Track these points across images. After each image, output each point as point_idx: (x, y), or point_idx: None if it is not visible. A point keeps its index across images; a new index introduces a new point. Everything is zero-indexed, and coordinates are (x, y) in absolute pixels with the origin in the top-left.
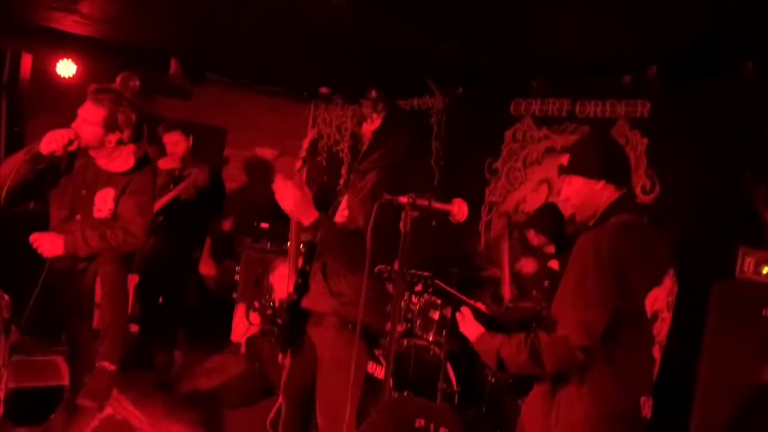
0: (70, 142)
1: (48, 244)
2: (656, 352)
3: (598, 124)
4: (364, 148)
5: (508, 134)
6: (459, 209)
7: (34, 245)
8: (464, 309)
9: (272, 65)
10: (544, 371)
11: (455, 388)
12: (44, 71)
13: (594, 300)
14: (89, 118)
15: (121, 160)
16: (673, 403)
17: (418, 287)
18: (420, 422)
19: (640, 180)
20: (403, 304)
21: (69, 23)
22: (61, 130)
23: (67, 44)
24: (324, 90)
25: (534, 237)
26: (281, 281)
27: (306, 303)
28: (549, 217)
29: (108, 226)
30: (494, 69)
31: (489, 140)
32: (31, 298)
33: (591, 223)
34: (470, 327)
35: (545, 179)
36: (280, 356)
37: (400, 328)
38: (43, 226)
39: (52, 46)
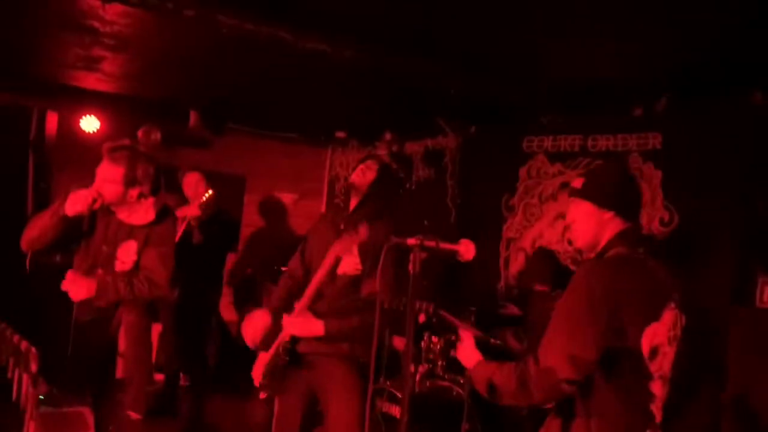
0: (94, 201)
1: (81, 287)
2: (656, 388)
3: (611, 158)
4: (359, 199)
5: (523, 171)
6: (466, 249)
7: (67, 288)
8: (463, 334)
9: (289, 113)
10: (532, 400)
11: (479, 428)
12: (69, 128)
13: (584, 338)
14: (108, 177)
15: (141, 212)
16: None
17: (422, 317)
18: None
19: (658, 212)
20: (423, 344)
21: (92, 81)
22: (84, 191)
23: (90, 101)
24: (340, 134)
25: (539, 287)
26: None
27: (305, 347)
28: (542, 263)
29: (134, 276)
30: (505, 106)
31: (504, 177)
32: (66, 350)
33: (592, 255)
34: (468, 353)
35: (561, 214)
36: (261, 395)
37: (421, 369)
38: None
39: (75, 103)
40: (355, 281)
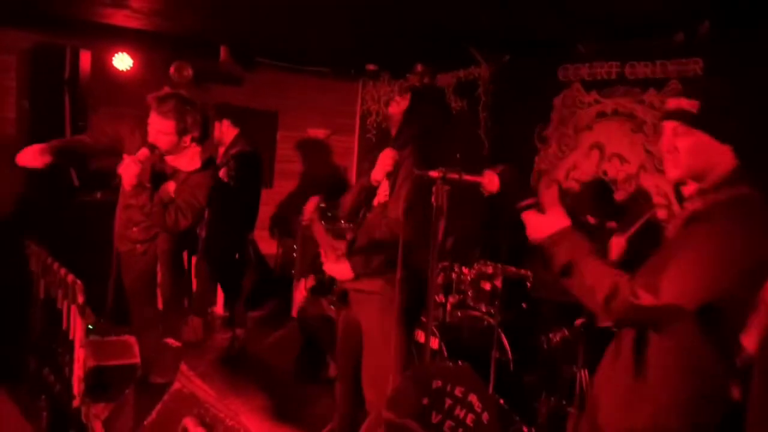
0: (147, 159)
1: (133, 169)
2: (748, 341)
3: (649, 85)
4: (395, 129)
5: (557, 101)
6: (490, 180)
7: (122, 171)
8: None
9: (319, 46)
10: (607, 316)
11: (509, 356)
12: (102, 66)
13: (716, 284)
14: (162, 129)
15: (188, 158)
16: None
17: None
18: (437, 383)
19: None
20: (454, 275)
21: (121, 18)
22: (129, 162)
23: (121, 38)
24: (371, 67)
25: (591, 219)
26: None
27: (349, 283)
28: (597, 196)
29: (166, 206)
30: (540, 35)
31: (538, 108)
32: (109, 284)
33: (704, 187)
34: (552, 216)
35: (596, 144)
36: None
37: (452, 299)
38: (110, 214)
39: (107, 41)
40: (383, 207)
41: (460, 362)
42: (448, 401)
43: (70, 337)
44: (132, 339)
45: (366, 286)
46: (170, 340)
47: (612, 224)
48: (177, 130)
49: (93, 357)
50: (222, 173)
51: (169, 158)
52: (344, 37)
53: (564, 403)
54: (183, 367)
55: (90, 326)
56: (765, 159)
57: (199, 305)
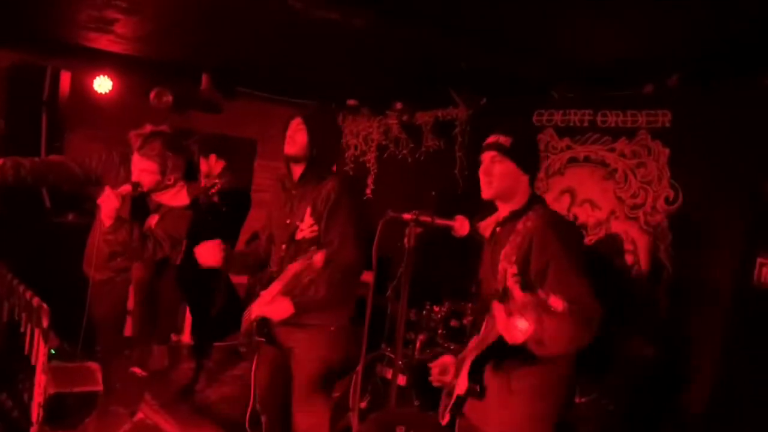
0: (131, 191)
1: (112, 200)
2: None
3: (620, 134)
4: (301, 167)
5: None
6: (461, 225)
7: (102, 202)
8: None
9: (300, 79)
10: (591, 339)
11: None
12: (82, 88)
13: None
14: (145, 169)
15: (173, 194)
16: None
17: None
18: (400, 430)
19: (664, 191)
20: (424, 313)
21: (105, 42)
22: (110, 194)
23: (103, 61)
24: (351, 102)
25: None
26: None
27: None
28: None
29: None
30: (516, 79)
31: None
32: (77, 307)
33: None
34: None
35: (567, 189)
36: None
37: (421, 337)
38: (82, 237)
39: (89, 63)
40: (313, 243)
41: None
42: None
43: (32, 362)
44: (95, 365)
45: (305, 319)
46: (137, 369)
47: None
48: (160, 171)
49: (54, 383)
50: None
51: (155, 195)
52: (325, 72)
53: None
54: (147, 397)
55: (52, 351)
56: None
57: (163, 333)
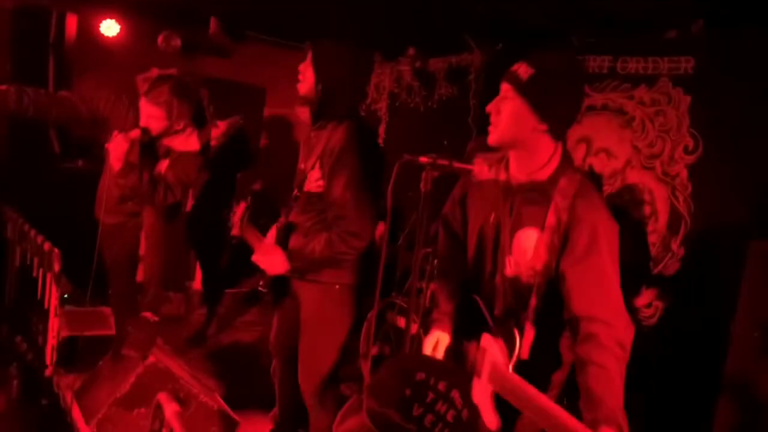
0: (139, 137)
1: (122, 144)
2: None
3: (640, 81)
4: (312, 109)
5: None
6: (480, 168)
7: (111, 147)
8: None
9: (311, 24)
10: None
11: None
12: (89, 31)
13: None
14: (152, 115)
15: (183, 140)
16: (707, 361)
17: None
18: (421, 375)
19: (683, 139)
20: (436, 262)
21: None
22: (120, 138)
23: (110, 4)
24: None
25: None
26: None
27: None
28: None
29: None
30: (535, 25)
31: None
32: (90, 252)
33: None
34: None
35: (583, 138)
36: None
37: (433, 286)
38: (91, 183)
39: (96, 6)
40: (320, 197)
41: None
42: (431, 395)
43: (45, 306)
44: (108, 310)
45: (309, 275)
46: (148, 314)
47: None
48: (167, 116)
49: (67, 327)
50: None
51: (166, 140)
52: (336, 17)
53: None
54: (159, 341)
55: (65, 296)
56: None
57: (178, 279)
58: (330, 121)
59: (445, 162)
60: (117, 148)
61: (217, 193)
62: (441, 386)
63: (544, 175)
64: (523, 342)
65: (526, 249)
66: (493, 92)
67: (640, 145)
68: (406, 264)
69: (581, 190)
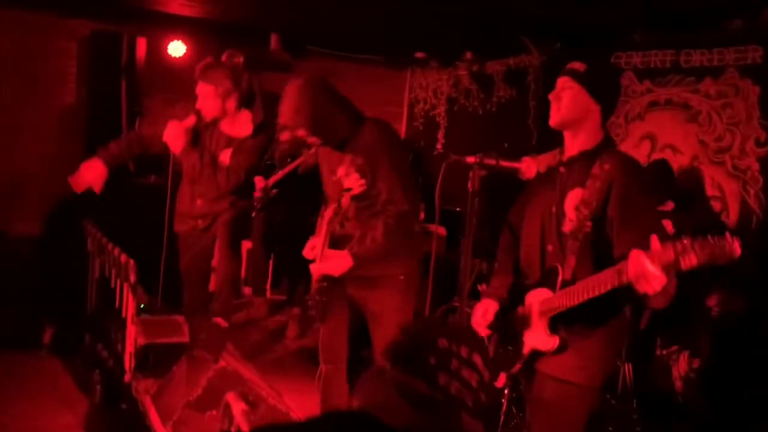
0: (195, 123)
1: (180, 133)
2: None
3: (704, 74)
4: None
5: None
6: (528, 167)
7: (167, 137)
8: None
9: (368, 34)
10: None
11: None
12: (157, 52)
13: None
14: (204, 93)
15: (240, 125)
16: None
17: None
18: (443, 342)
19: (753, 132)
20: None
21: (176, 6)
22: (173, 126)
23: (176, 26)
24: (420, 55)
25: None
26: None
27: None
28: (658, 176)
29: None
30: (593, 23)
31: None
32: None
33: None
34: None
35: (648, 134)
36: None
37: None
38: (163, 198)
39: (162, 28)
40: (365, 195)
41: None
42: (455, 362)
43: (123, 315)
44: (182, 318)
45: (372, 272)
46: (219, 320)
47: (670, 205)
48: (217, 92)
49: (144, 334)
50: (302, 160)
51: (222, 126)
52: (393, 25)
53: (608, 396)
54: (229, 346)
55: (142, 306)
56: None
57: (258, 284)
58: (348, 130)
59: (492, 161)
60: (174, 133)
61: (299, 201)
62: (463, 352)
63: (591, 145)
64: (566, 268)
65: (577, 203)
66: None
67: (707, 139)
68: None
69: (623, 155)
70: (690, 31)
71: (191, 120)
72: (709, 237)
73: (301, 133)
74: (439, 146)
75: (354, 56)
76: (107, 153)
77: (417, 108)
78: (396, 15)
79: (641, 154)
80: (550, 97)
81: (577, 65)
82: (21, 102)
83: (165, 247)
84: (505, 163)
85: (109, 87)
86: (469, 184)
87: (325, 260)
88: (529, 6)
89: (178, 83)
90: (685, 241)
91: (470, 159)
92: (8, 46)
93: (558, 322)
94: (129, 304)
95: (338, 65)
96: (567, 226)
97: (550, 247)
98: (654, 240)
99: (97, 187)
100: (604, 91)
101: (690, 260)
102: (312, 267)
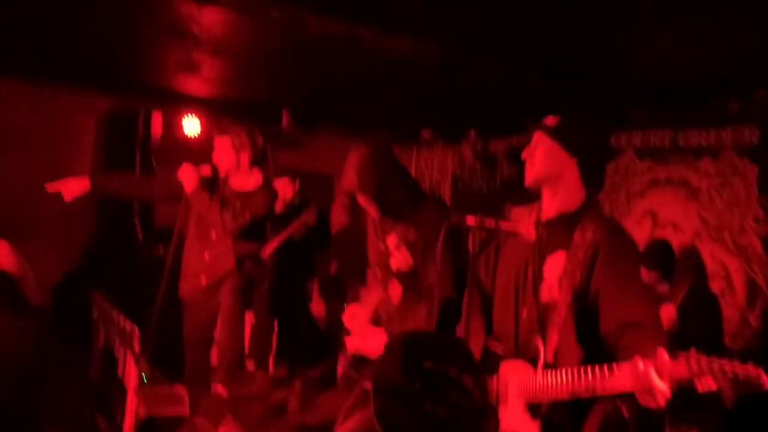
0: (205, 178)
1: (193, 175)
2: None
3: (703, 153)
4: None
5: (610, 168)
6: (527, 230)
7: (182, 177)
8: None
9: (376, 113)
10: None
11: None
12: (172, 128)
13: None
14: (220, 145)
15: (252, 180)
16: None
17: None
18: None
19: (752, 210)
20: None
21: (193, 85)
22: (187, 168)
23: (191, 104)
24: (426, 134)
25: (645, 274)
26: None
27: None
28: (656, 256)
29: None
30: (591, 102)
31: None
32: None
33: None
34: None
35: (649, 211)
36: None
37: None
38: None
39: (178, 104)
40: (411, 274)
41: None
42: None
43: (125, 384)
44: (183, 389)
45: None
46: (220, 389)
47: (665, 288)
48: (233, 144)
49: (145, 406)
50: (296, 226)
51: (233, 183)
52: (400, 105)
53: None
54: (229, 418)
55: (144, 377)
56: None
57: (261, 357)
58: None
59: (491, 223)
60: (188, 172)
61: (298, 271)
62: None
63: (572, 207)
64: (548, 347)
65: (557, 271)
66: None
67: (707, 216)
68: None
69: (607, 219)
70: (687, 109)
71: (206, 169)
72: (726, 361)
73: (362, 201)
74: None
75: (362, 134)
76: (101, 175)
77: (423, 186)
78: (402, 96)
79: (643, 231)
80: (524, 154)
81: (550, 120)
82: (36, 172)
83: (160, 307)
84: (505, 226)
85: (123, 159)
86: (470, 245)
87: (365, 339)
88: (530, 87)
89: (190, 158)
90: (702, 360)
91: (470, 221)
92: (30, 118)
93: (539, 404)
94: (131, 373)
95: (346, 142)
96: (545, 294)
97: (525, 313)
98: (661, 353)
99: (67, 196)
100: (579, 143)
101: (708, 385)
102: (348, 341)
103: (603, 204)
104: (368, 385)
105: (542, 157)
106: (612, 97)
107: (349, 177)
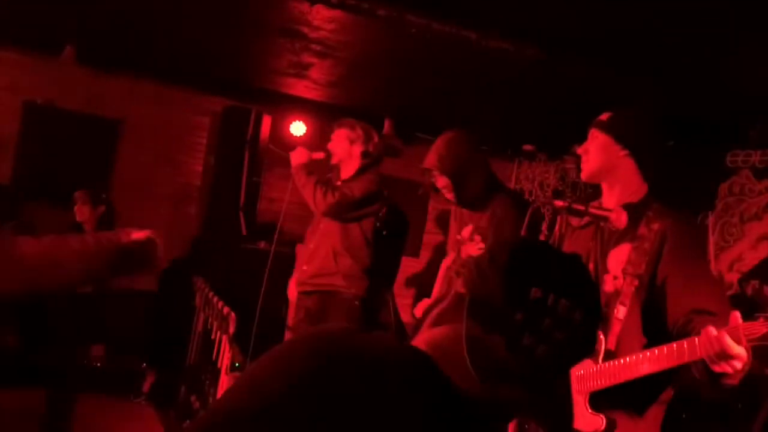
0: (316, 160)
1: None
2: None
3: None
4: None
5: (723, 187)
6: (617, 216)
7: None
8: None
9: (476, 125)
10: None
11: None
12: (280, 130)
13: None
14: (338, 136)
15: (351, 165)
16: None
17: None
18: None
19: None
20: None
21: (301, 88)
22: (299, 150)
23: (299, 107)
24: (528, 147)
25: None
26: None
27: None
28: None
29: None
30: (706, 119)
31: (702, 194)
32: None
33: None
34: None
35: (765, 236)
36: None
37: None
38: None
39: (286, 107)
40: None
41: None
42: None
43: (218, 366)
44: None
45: None
46: None
47: None
48: (348, 136)
49: None
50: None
51: (343, 173)
52: (502, 117)
53: None
54: None
55: (236, 364)
56: None
57: None
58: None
59: (581, 207)
60: (298, 156)
61: (382, 275)
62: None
63: (633, 200)
64: (609, 337)
65: (620, 262)
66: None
67: None
68: None
69: (674, 211)
70: None
71: (320, 154)
72: None
73: (440, 182)
74: (542, 237)
75: None
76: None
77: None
78: (504, 108)
79: (758, 255)
80: (579, 150)
81: (603, 115)
82: (154, 167)
83: (260, 306)
84: (594, 210)
85: (233, 158)
86: (556, 229)
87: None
88: (640, 101)
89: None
90: None
91: (558, 203)
92: (151, 116)
93: (600, 397)
94: (225, 355)
95: None
96: (609, 285)
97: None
98: (735, 316)
99: None
100: (631, 135)
101: None
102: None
103: (714, 227)
104: (467, 323)
105: (596, 151)
106: (729, 114)
107: (431, 155)
